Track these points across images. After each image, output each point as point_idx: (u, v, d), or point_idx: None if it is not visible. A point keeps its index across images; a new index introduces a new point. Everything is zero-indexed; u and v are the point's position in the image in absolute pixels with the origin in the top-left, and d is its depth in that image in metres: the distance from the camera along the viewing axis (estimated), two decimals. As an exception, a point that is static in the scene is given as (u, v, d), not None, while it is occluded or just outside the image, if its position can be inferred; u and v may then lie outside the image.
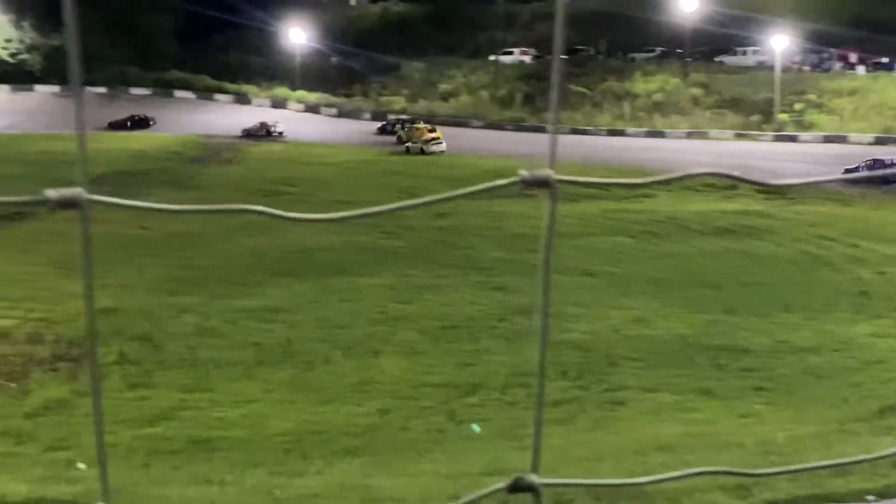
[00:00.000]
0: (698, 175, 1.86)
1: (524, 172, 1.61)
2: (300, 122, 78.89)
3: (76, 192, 1.47)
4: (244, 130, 71.91)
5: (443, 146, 65.82)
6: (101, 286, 33.75)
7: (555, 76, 1.67)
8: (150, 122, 78.26)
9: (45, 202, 1.45)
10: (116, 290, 33.52)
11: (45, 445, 22.55)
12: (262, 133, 71.44)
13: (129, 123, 77.65)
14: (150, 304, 32.33)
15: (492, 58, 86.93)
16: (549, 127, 1.75)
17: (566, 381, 26.20)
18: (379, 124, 76.59)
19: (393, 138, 70.15)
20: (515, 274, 36.23)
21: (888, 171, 46.03)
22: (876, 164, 53.06)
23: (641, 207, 47.95)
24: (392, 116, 77.36)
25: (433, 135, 67.10)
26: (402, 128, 70.87)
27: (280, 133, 71.40)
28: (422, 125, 69.19)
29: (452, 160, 61.98)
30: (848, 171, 48.35)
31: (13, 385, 25.66)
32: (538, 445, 1.71)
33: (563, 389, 25.55)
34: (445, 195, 1.66)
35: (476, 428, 24.69)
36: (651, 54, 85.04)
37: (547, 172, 1.62)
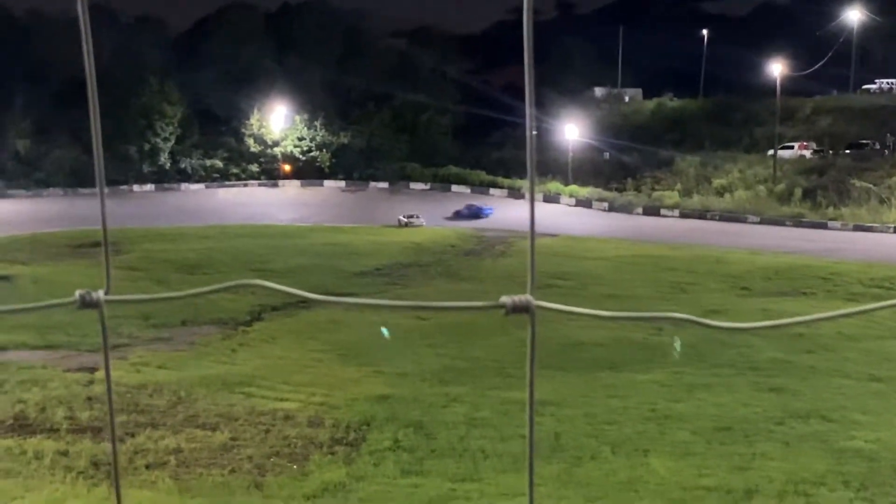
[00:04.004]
0: None
1: None
2: (571, 216, 79.58)
3: (527, 299, 1.58)
4: None
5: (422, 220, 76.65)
6: (376, 373, 35.03)
7: None
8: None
9: (501, 307, 1.58)
10: (392, 377, 34.65)
11: (322, 527, 23.36)
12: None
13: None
14: (424, 392, 33.08)
15: (770, 152, 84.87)
16: None
17: (849, 492, 24.73)
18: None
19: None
20: (793, 376, 34.75)
21: None
22: None
23: (935, 308, 45.02)
24: None
25: None
26: None
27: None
28: None
29: (723, 256, 60.59)
30: None
31: (294, 466, 26.77)
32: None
33: (847, 500, 24.14)
34: (857, 309, 1.65)
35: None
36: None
37: None
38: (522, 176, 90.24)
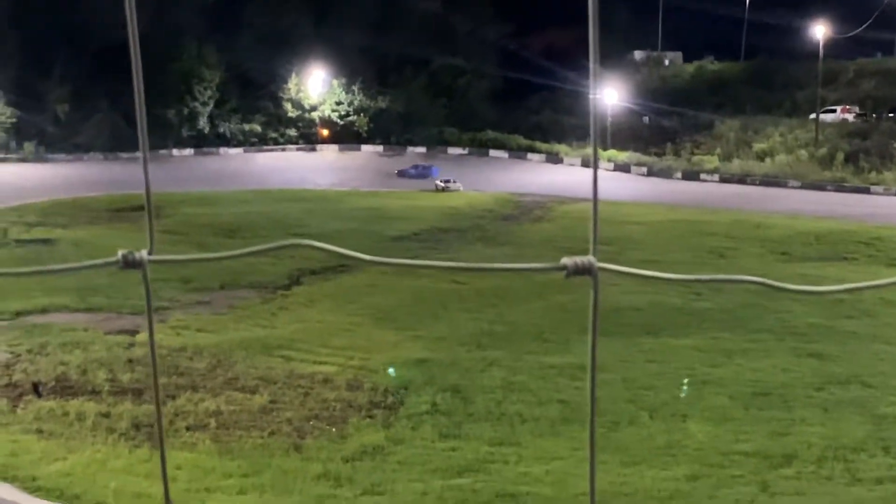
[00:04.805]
0: None
1: None
2: (610, 180, 79.10)
3: (589, 260, 1.54)
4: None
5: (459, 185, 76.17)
6: (414, 337, 35.14)
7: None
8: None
9: (563, 269, 1.53)
10: (429, 341, 34.74)
11: (361, 489, 23.51)
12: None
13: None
14: (461, 356, 33.15)
15: (812, 116, 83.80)
16: None
17: (889, 458, 24.61)
18: None
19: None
20: (832, 341, 34.49)
21: None
22: None
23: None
24: None
25: None
26: None
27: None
28: None
29: (763, 221, 60.02)
30: None
31: (333, 429, 26.97)
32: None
33: (887, 466, 24.03)
34: None
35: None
36: None
37: None
38: (560, 140, 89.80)
